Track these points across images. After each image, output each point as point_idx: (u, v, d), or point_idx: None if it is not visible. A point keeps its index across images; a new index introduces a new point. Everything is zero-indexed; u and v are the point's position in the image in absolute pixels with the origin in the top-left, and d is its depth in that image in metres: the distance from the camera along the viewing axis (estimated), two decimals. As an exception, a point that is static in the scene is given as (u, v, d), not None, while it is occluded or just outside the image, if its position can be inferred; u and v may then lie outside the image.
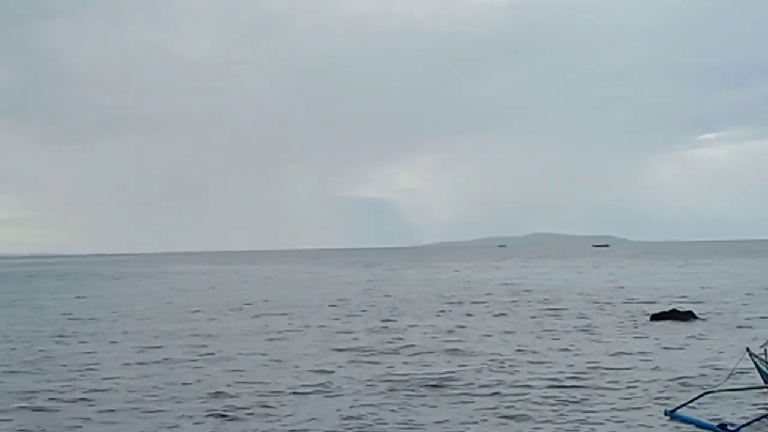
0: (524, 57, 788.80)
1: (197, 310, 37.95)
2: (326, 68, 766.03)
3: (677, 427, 13.32)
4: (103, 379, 18.76)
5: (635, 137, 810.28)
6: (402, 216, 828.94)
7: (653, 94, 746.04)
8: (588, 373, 18.16)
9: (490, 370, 18.85)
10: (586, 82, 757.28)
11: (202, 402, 15.88)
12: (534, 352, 21.84)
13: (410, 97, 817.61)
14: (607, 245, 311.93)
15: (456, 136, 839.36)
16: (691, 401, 14.34)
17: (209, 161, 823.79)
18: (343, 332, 27.32)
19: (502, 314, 33.28)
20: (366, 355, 21.70)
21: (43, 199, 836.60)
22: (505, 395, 15.92)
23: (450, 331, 26.99)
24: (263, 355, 22.13)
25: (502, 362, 20.04)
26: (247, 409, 15.06)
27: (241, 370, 19.52)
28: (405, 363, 20.14)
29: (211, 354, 22.40)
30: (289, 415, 14.56)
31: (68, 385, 17.96)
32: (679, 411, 13.94)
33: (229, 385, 17.43)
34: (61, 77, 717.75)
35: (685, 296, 40.27)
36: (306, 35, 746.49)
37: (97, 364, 21.11)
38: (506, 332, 26.68)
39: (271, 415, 14.62)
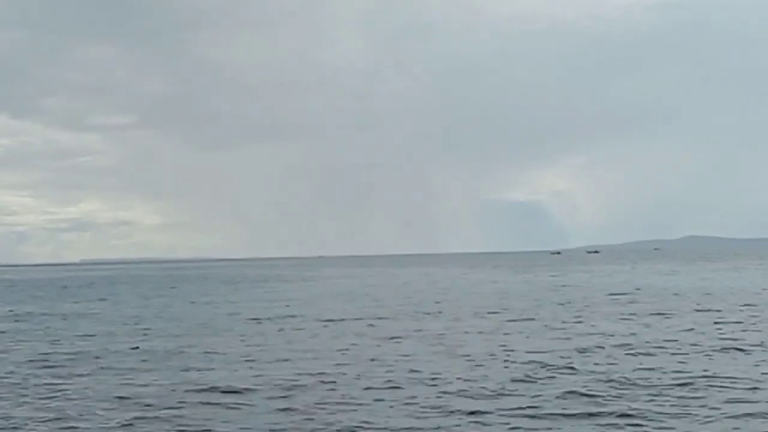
0: (675, 56, 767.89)
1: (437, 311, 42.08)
2: (473, 71, 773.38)
3: None
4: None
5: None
6: (550, 219, 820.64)
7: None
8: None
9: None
10: (738, 81, 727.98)
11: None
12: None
13: (559, 99, 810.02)
14: (597, 251, 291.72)
15: (605, 138, 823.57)
16: None
17: (359, 166, 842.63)
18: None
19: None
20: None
21: (199, 205, 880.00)
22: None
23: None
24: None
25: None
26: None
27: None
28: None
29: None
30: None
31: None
32: None
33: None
34: (216, 85, 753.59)
35: None
36: (452, 38, 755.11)
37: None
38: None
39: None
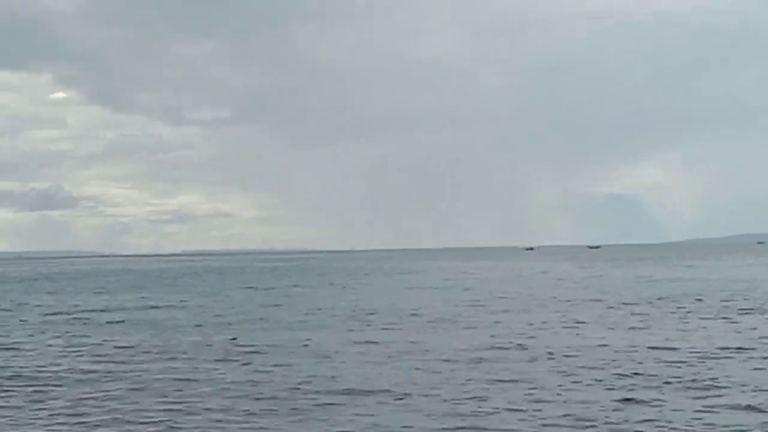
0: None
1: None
2: (566, 65, 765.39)
3: None
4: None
5: None
6: (646, 212, 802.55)
7: None
8: None
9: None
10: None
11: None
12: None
13: (655, 93, 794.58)
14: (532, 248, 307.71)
15: (702, 132, 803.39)
16: None
17: (450, 160, 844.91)
18: None
19: None
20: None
21: (294, 198, 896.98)
22: None
23: None
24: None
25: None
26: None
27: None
28: None
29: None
30: None
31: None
32: None
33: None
34: (310, 80, 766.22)
35: None
36: (547, 33, 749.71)
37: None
38: None
39: None
